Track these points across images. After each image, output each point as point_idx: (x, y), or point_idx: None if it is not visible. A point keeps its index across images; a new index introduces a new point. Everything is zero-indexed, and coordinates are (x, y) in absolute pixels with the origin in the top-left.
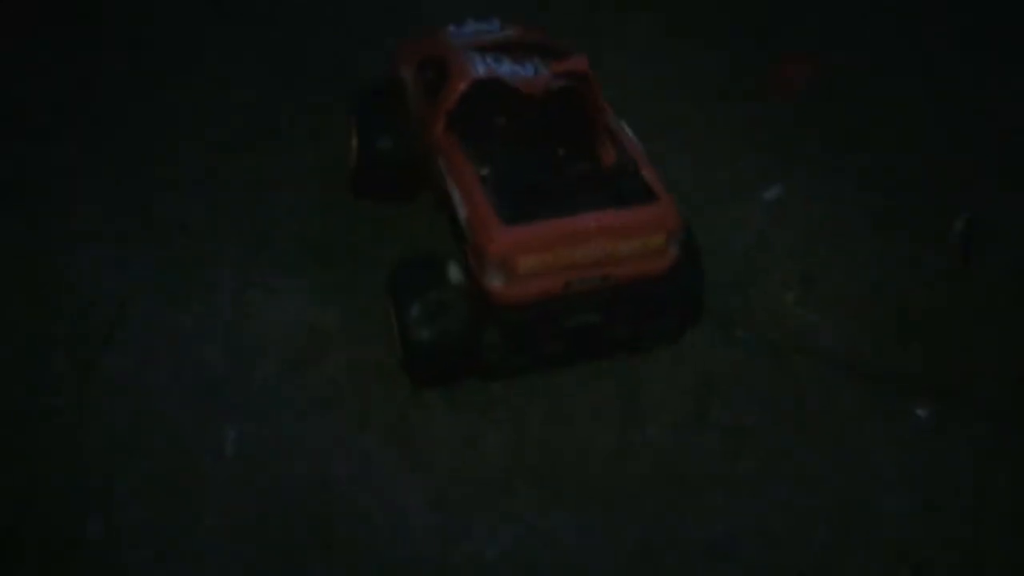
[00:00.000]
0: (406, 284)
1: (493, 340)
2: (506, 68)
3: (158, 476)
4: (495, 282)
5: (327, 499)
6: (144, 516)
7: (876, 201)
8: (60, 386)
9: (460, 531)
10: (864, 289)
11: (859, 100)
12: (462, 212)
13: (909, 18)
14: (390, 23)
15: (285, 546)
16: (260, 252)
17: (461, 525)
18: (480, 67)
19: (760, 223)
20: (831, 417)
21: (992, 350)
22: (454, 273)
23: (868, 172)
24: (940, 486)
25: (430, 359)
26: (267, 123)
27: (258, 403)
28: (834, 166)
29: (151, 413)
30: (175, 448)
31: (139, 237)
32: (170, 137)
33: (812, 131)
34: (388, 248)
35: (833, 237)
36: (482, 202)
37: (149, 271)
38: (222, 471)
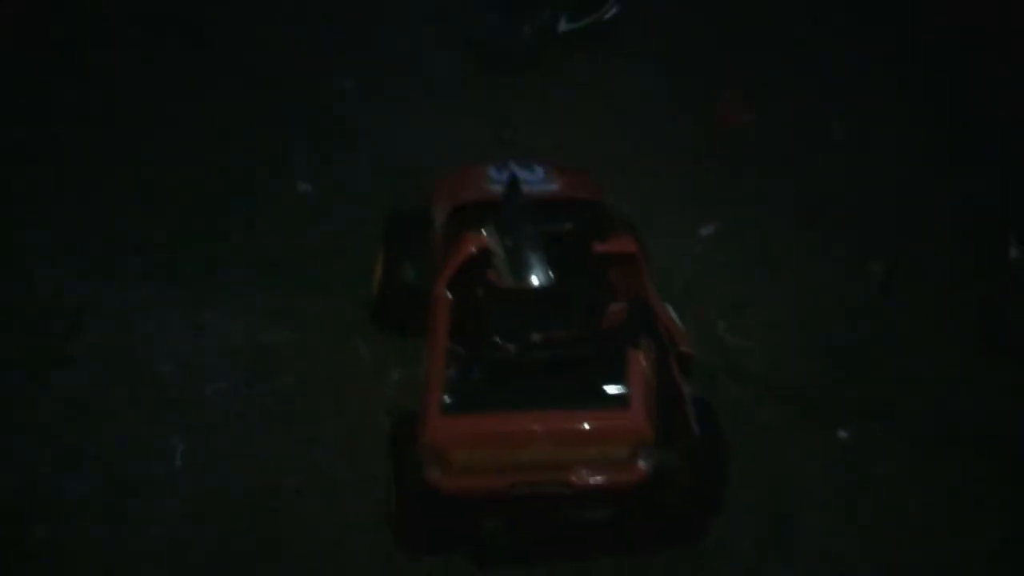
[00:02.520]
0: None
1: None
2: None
3: (106, 487)
4: (431, 471)
5: (274, 511)
6: (91, 526)
7: (807, 236)
8: (11, 399)
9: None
10: (793, 317)
11: (794, 141)
12: (420, 384)
13: (840, 71)
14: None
15: (232, 556)
16: (214, 273)
17: None
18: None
19: (697, 256)
20: (758, 437)
21: (909, 376)
22: None
23: (801, 208)
24: (861, 501)
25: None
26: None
27: (209, 417)
28: (768, 202)
29: (101, 426)
30: (124, 460)
31: (97, 254)
32: (131, 153)
33: (748, 169)
34: (336, 269)
35: (765, 268)
36: (434, 384)
37: (109, 288)
38: (170, 482)
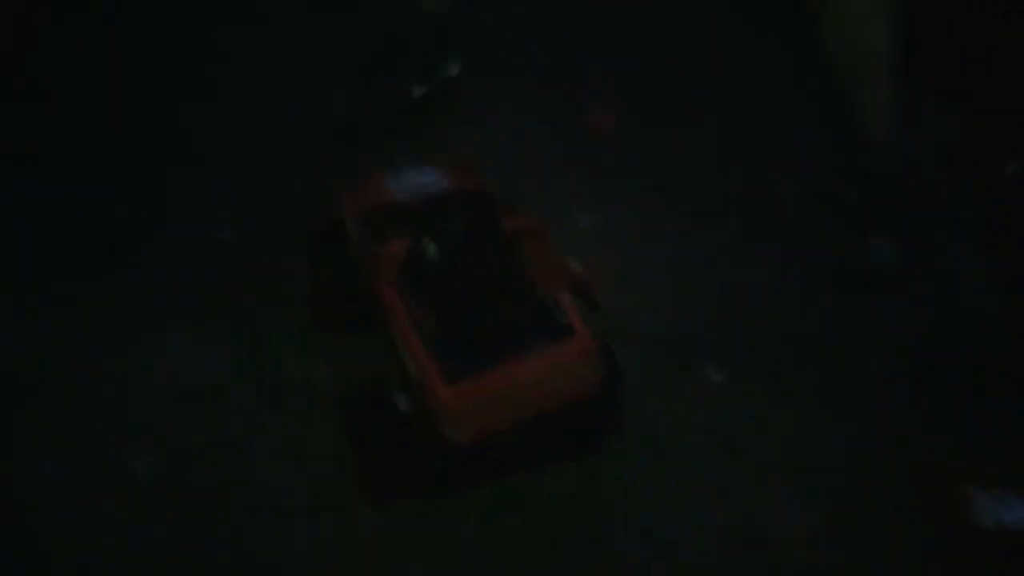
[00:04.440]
0: (355, 408)
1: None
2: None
3: (64, 510)
4: (448, 434)
5: (236, 528)
6: (54, 546)
7: (685, 213)
8: None
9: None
10: (666, 280)
11: (668, 135)
12: (410, 367)
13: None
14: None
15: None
16: (177, 293)
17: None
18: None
19: (580, 242)
20: (640, 382)
21: (772, 318)
22: (402, 401)
23: (676, 194)
24: (737, 435)
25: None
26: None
27: (171, 438)
28: (643, 193)
29: (60, 450)
30: (84, 483)
31: (60, 277)
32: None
33: (622, 165)
34: (298, 281)
35: (641, 246)
36: (427, 361)
37: (69, 314)
38: (132, 498)
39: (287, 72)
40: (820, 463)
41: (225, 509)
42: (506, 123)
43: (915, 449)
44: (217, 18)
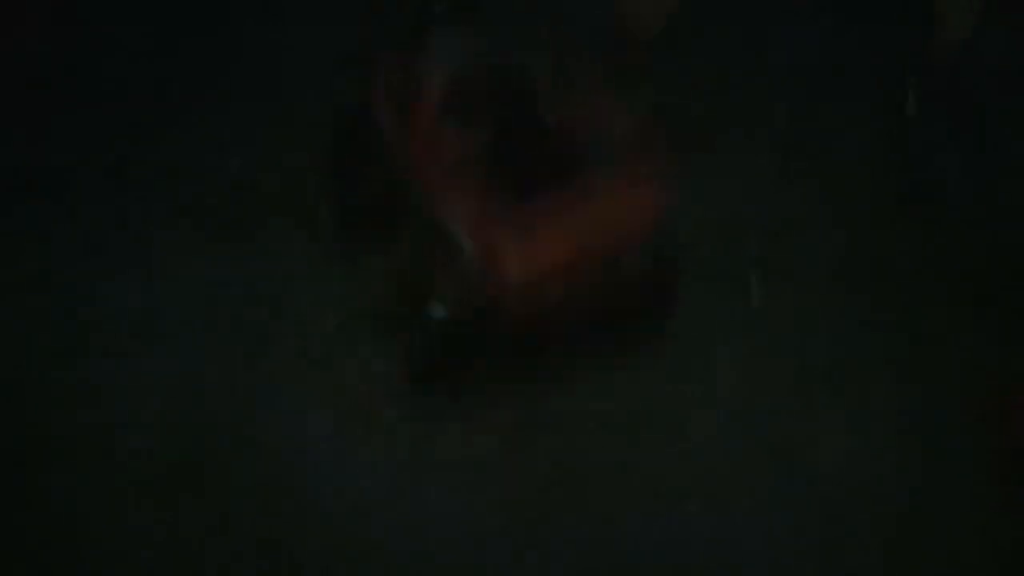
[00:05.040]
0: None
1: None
2: None
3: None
4: (506, 290)
5: (236, 440)
6: (66, 475)
7: (741, 122)
8: None
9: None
10: (724, 190)
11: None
12: (458, 228)
13: None
14: None
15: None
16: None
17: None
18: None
19: None
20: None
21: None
22: (438, 310)
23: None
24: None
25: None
26: None
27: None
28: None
29: (65, 358)
30: (89, 397)
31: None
32: None
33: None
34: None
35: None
36: (483, 200)
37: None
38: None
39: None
40: (864, 376)
41: (250, 433)
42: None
43: (967, 367)
44: None
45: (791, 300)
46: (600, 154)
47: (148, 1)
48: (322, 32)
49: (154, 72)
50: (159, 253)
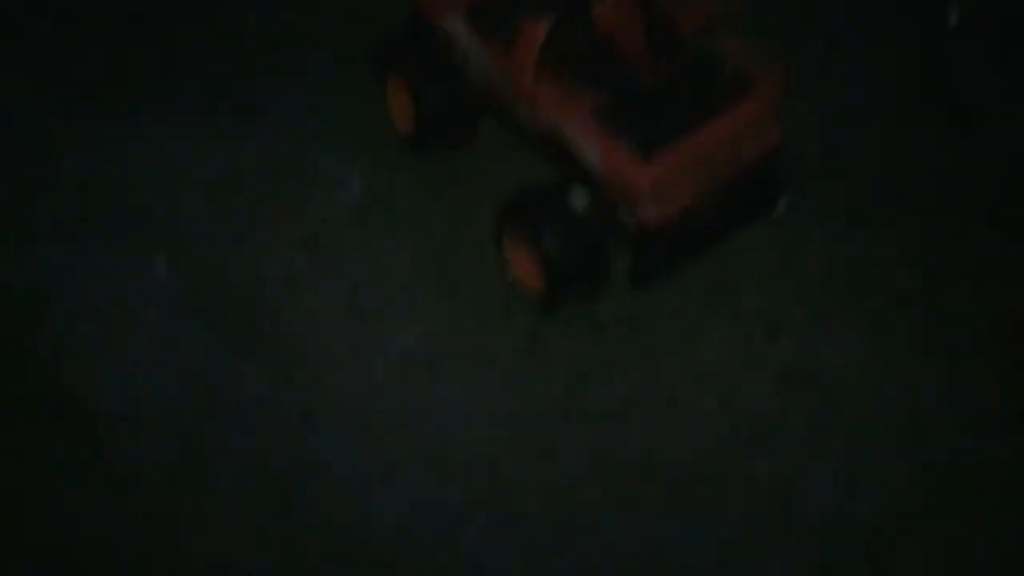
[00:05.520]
0: (531, 213)
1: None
2: None
3: (93, 304)
4: (644, 215)
5: (249, 309)
6: (88, 335)
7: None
8: None
9: (370, 333)
10: None
11: None
12: (588, 153)
13: None
14: None
15: (219, 354)
16: (173, 97)
17: (367, 326)
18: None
19: None
20: None
21: (866, 159)
22: (579, 198)
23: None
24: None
25: (572, 279)
26: None
27: (183, 233)
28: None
29: (85, 249)
30: (109, 278)
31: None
32: None
33: None
34: (291, 89)
35: None
36: (613, 144)
37: (82, 123)
38: (156, 294)
39: None
40: (884, 298)
41: (261, 337)
42: None
43: (997, 291)
44: None
45: (816, 221)
46: (724, 82)
47: None
48: None
49: None
50: None
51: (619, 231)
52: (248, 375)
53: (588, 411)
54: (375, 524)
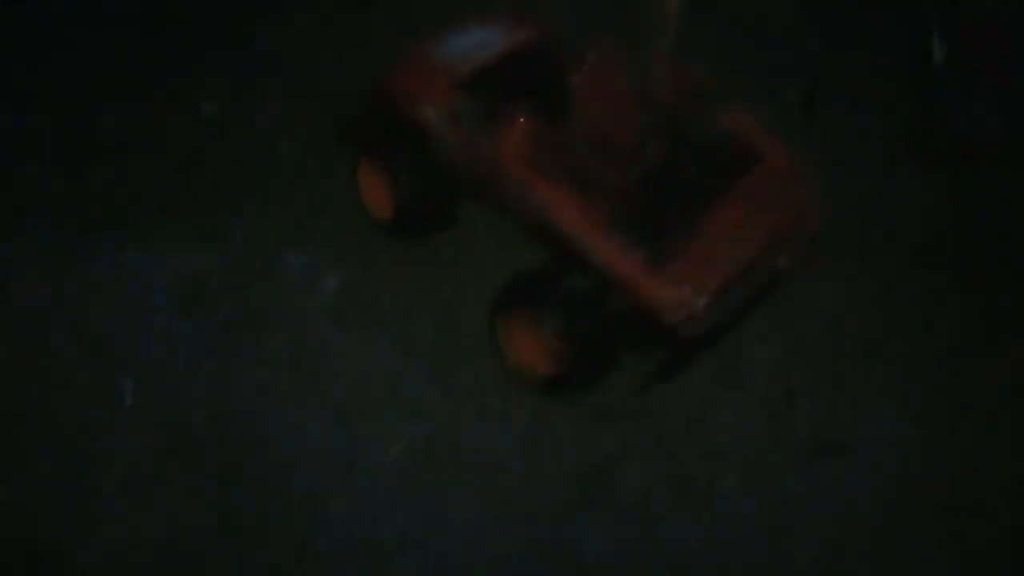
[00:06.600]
0: (536, 293)
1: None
2: None
3: (58, 439)
4: (669, 319)
5: (229, 434)
6: (52, 475)
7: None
8: None
9: (365, 443)
10: None
11: None
12: (594, 259)
13: None
14: None
15: (195, 486)
16: (131, 211)
17: (361, 435)
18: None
19: None
20: None
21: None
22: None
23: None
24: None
25: (585, 357)
26: None
27: (151, 354)
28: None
29: (45, 382)
30: (73, 410)
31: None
32: None
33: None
34: (247, 194)
35: None
36: (622, 251)
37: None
38: (124, 422)
39: None
40: (898, 353)
41: None
42: None
43: (1013, 338)
44: None
45: (819, 277)
46: (726, 155)
47: None
48: None
49: None
50: None
51: (638, 328)
52: (234, 510)
53: (604, 504)
54: None
